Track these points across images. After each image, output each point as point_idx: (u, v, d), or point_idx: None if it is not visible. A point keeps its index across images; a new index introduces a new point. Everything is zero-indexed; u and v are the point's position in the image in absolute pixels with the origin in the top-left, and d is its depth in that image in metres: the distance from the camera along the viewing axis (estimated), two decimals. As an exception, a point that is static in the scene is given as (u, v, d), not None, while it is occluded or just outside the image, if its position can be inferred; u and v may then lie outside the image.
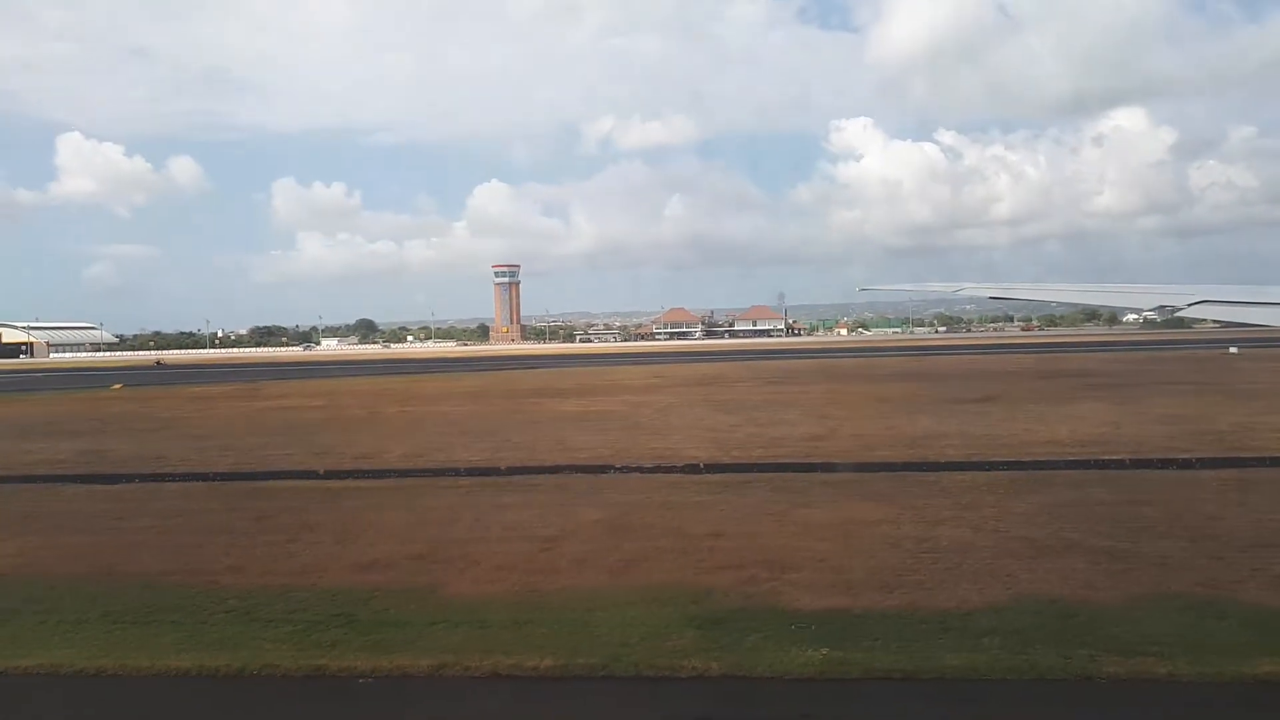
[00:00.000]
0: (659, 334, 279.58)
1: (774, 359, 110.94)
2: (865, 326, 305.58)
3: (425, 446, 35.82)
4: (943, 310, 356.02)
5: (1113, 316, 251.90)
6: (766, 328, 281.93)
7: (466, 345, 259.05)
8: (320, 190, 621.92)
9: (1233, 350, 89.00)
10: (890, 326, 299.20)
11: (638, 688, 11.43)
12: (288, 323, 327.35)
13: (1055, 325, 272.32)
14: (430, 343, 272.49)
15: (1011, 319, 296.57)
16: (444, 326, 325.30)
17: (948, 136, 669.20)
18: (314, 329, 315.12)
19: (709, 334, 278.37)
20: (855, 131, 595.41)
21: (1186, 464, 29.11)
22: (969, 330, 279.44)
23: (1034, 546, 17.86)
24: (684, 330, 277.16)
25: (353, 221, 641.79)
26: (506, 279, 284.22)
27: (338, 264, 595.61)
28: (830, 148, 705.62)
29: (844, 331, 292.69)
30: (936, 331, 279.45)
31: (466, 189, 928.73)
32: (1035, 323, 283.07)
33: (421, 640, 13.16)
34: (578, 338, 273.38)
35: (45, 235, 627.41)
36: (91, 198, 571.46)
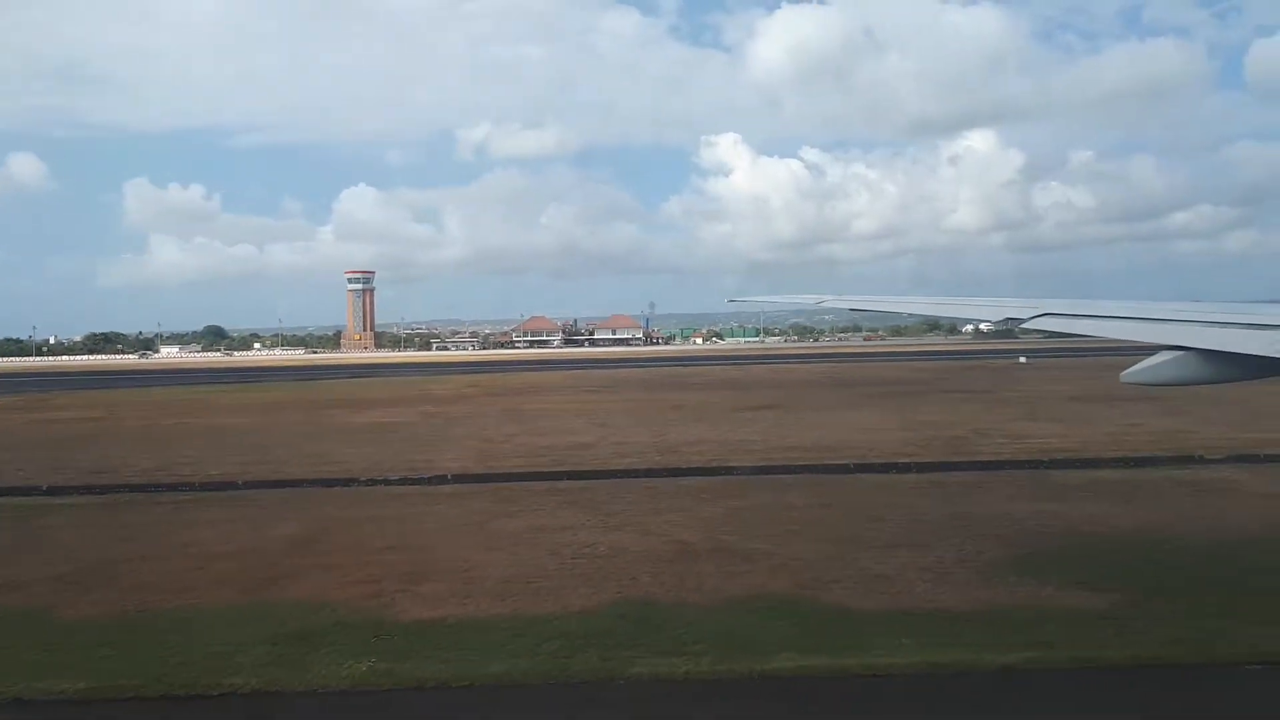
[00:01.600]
0: (519, 342, 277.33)
1: (610, 368, 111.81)
2: (720, 336, 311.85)
3: (176, 460, 34.44)
4: (802, 320, 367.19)
5: (952, 327, 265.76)
6: (626, 336, 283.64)
7: (316, 353, 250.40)
8: (177, 192, 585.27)
9: (1022, 360, 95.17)
10: (745, 336, 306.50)
11: (164, 708, 11.25)
12: (133, 329, 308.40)
13: (899, 335, 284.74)
14: (279, 350, 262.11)
15: (860, 329, 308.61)
16: (302, 333, 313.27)
17: (812, 154, 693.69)
18: (156, 336, 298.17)
19: (569, 342, 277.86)
20: (725, 147, 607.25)
21: (905, 468, 30.97)
22: (815, 340, 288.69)
23: (684, 551, 18.61)
24: (544, 339, 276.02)
25: (211, 225, 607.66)
26: (360, 285, 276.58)
27: (193, 269, 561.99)
28: (701, 162, 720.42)
29: (699, 340, 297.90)
30: (787, 340, 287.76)
31: (334, 193, 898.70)
32: (880, 333, 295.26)
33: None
34: (434, 346, 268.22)
35: None
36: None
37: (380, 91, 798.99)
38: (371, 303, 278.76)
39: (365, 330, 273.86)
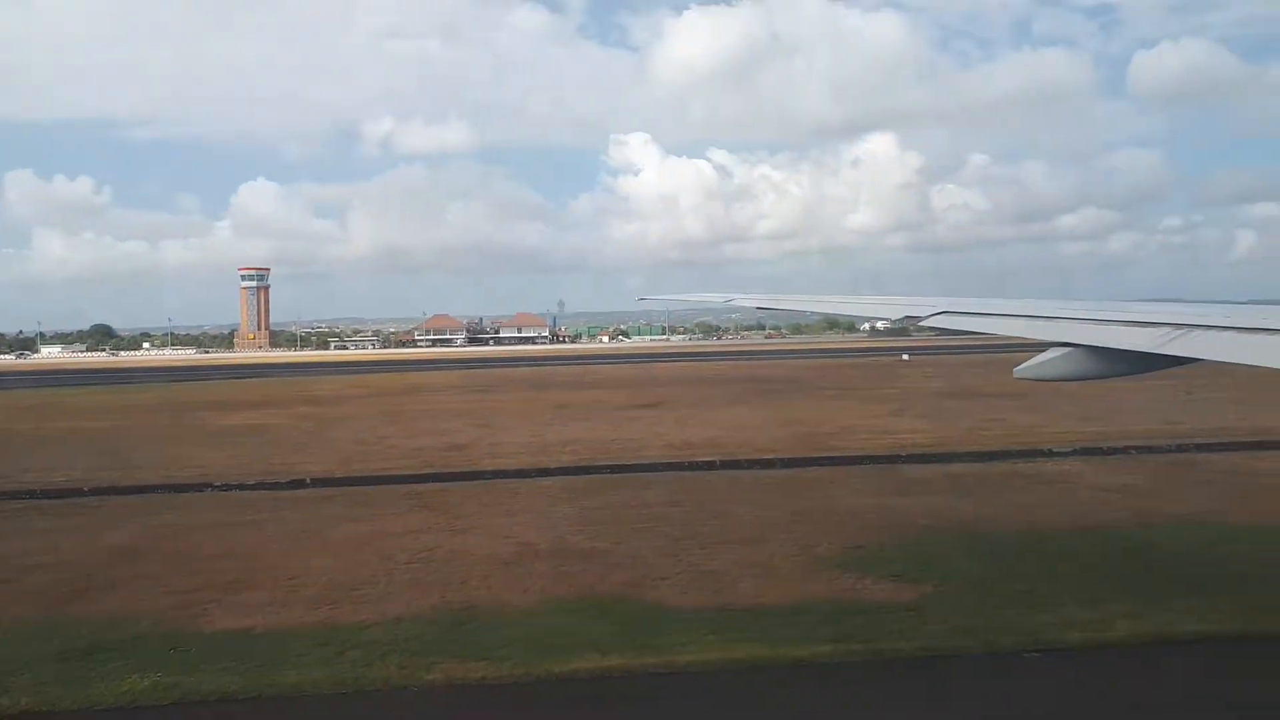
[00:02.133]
0: (421, 341, 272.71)
1: (508, 367, 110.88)
2: (626, 334, 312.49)
3: (24, 467, 32.83)
4: (710, 319, 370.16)
5: (850, 325, 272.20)
6: (531, 334, 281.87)
7: (209, 353, 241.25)
8: (63, 185, 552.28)
9: (904, 357, 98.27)
10: (651, 334, 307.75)
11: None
12: (12, 328, 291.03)
13: (800, 333, 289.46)
14: (169, 350, 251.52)
15: (764, 327, 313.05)
16: (196, 332, 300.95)
17: (720, 155, 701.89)
18: (37, 335, 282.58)
19: (473, 341, 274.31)
20: (634, 147, 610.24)
21: (767, 464, 31.54)
22: (719, 338, 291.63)
23: (524, 552, 18.55)
24: (447, 337, 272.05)
25: (101, 220, 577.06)
26: (255, 282, 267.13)
27: (81, 265, 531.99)
28: (610, 161, 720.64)
29: (605, 339, 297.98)
30: (692, 338, 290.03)
31: (232, 188, 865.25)
32: (782, 331, 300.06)
33: None
34: (332, 345, 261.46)
35: None
36: None
37: (279, 84, 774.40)
38: (266, 300, 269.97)
39: (260, 329, 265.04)
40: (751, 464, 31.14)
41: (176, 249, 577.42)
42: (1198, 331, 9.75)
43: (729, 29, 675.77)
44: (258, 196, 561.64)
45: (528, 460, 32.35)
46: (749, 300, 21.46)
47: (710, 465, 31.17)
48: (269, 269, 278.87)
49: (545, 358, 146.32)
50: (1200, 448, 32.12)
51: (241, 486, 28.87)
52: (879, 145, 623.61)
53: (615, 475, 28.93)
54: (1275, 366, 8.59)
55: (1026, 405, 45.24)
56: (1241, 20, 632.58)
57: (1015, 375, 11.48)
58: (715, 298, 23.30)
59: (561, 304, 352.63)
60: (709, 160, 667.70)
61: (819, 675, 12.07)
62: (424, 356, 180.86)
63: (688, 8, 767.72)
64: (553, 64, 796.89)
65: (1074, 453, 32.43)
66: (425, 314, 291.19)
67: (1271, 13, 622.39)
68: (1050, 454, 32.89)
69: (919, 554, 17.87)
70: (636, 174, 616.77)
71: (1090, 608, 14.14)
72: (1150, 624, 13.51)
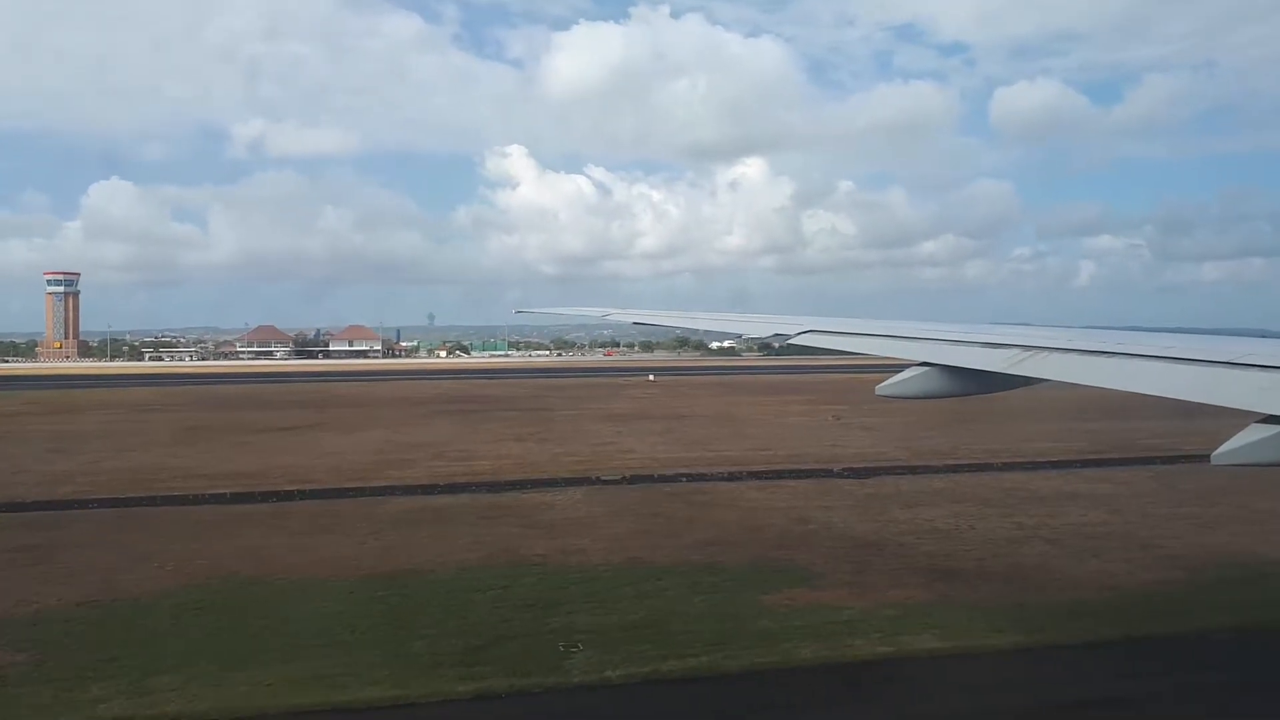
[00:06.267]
0: (243, 353, 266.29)
1: (266, 383, 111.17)
2: (466, 349, 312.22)
3: None
4: (584, 335, 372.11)
5: (700, 343, 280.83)
6: (363, 348, 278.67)
7: (7, 361, 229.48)
8: None
9: (650, 378, 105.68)
10: (496, 349, 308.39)
11: None
12: None
13: (651, 350, 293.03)
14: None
15: (618, 344, 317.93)
16: (4, 340, 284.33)
17: (598, 172, 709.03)
18: None
19: (300, 353, 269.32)
20: (512, 160, 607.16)
21: (288, 495, 36.80)
22: (572, 353, 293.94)
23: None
24: (269, 349, 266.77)
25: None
26: (63, 289, 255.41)
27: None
28: (488, 174, 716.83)
29: (443, 354, 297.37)
30: (539, 354, 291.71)
31: (82, 187, 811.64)
32: (634, 346, 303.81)
33: None
34: (147, 356, 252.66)
35: None
36: None
37: (131, 79, 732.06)
38: (76, 307, 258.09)
39: (69, 338, 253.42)
40: (267, 495, 36.21)
41: (20, 249, 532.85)
42: (1043, 353, 10.46)
43: (608, 46, 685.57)
44: (112, 196, 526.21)
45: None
46: (625, 315, 22.44)
47: (250, 496, 36.63)
48: (78, 274, 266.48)
49: (329, 373, 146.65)
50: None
51: None
52: (754, 169, 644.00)
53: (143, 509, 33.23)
54: (1111, 387, 9.29)
55: (652, 430, 52.87)
56: (1085, 65, 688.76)
57: (876, 393, 11.88)
58: (592, 312, 24.18)
59: (432, 316, 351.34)
60: (588, 176, 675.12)
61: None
62: (222, 370, 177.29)
63: (567, 24, 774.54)
64: (426, 73, 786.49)
65: (568, 483, 38.78)
66: (248, 325, 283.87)
67: (1110, 60, 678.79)
68: (600, 480, 40.03)
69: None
70: (514, 187, 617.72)
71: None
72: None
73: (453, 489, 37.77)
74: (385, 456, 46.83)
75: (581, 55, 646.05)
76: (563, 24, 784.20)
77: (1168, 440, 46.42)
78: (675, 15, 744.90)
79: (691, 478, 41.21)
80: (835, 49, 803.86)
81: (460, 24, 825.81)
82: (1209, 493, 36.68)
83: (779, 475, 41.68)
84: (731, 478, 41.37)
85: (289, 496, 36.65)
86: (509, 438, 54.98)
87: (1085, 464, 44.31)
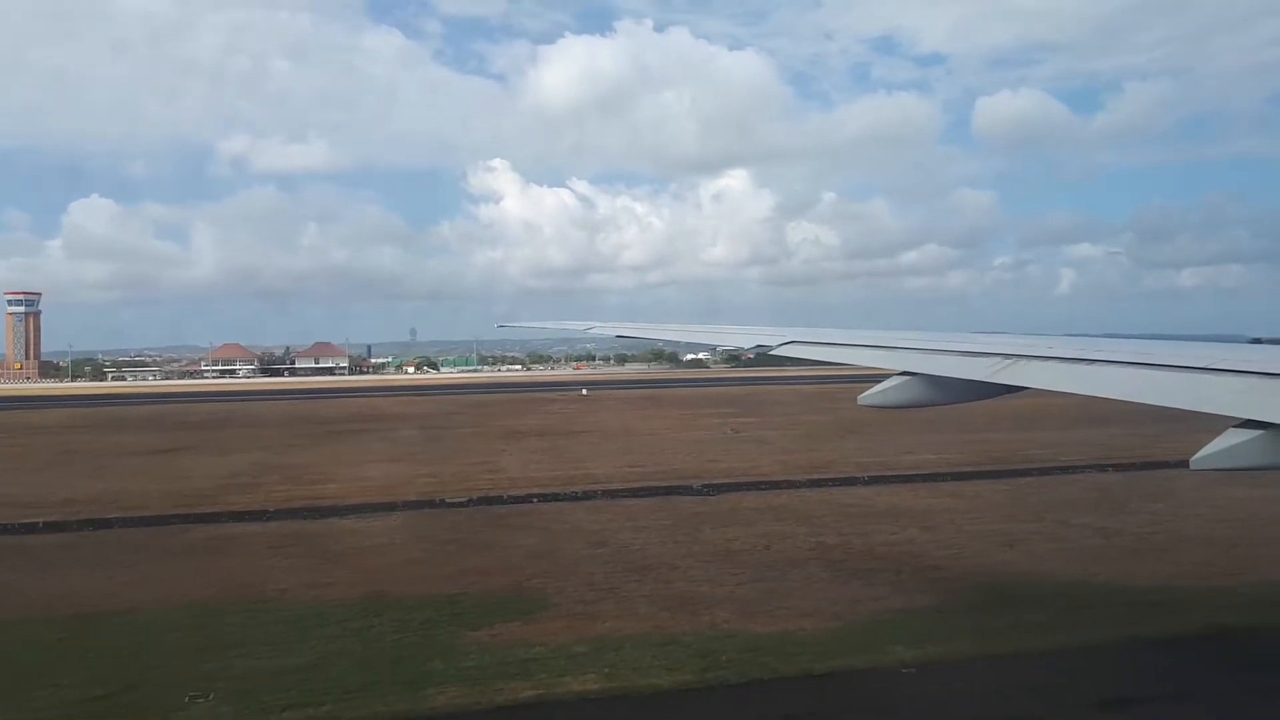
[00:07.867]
0: (208, 372, 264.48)
1: (214, 402, 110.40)
2: (435, 365, 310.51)
3: None
4: (566, 349, 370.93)
5: (674, 355, 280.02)
6: (330, 365, 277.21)
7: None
8: None
9: (583, 392, 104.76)
10: (464, 365, 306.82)
11: None
12: None
13: (624, 364, 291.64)
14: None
15: (594, 357, 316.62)
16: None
17: (581, 185, 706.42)
18: None
19: (266, 372, 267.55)
20: (495, 174, 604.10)
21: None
22: (527, 369, 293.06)
23: None
24: (234, 368, 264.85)
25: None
26: (23, 308, 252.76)
27: None
28: (471, 188, 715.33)
29: (411, 370, 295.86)
30: (510, 369, 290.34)
31: (62, 205, 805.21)
32: (609, 360, 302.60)
33: None
34: (109, 377, 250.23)
35: None
36: None
37: (112, 96, 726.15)
38: (37, 327, 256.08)
39: (28, 358, 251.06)
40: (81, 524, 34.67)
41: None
42: (1024, 361, 10.54)
43: (590, 61, 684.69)
44: (93, 214, 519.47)
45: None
46: (608, 328, 22.02)
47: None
48: (40, 294, 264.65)
49: (281, 391, 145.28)
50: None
51: None
52: (738, 181, 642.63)
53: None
54: (1089, 394, 9.29)
55: (531, 447, 51.87)
56: (1064, 74, 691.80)
57: (860, 403, 11.77)
58: (575, 325, 23.86)
59: (414, 332, 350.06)
60: (571, 189, 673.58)
61: None
62: (195, 389, 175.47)
63: (551, 38, 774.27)
64: (410, 88, 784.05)
65: (408, 504, 37.46)
66: (213, 344, 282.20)
67: (1089, 69, 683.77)
68: (444, 504, 38.72)
69: None
70: (498, 201, 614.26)
71: None
72: None
73: (275, 515, 36.34)
74: (236, 480, 45.38)
75: (565, 69, 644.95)
76: (546, 38, 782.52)
77: (1100, 450, 48.02)
78: (659, 29, 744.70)
79: (543, 498, 40.00)
80: (815, 61, 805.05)
81: (442, 39, 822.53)
82: (1053, 506, 35.83)
83: (631, 494, 40.56)
84: (583, 496, 40.22)
85: (105, 525, 35.14)
86: (384, 458, 53.62)
87: (960, 477, 43.33)
